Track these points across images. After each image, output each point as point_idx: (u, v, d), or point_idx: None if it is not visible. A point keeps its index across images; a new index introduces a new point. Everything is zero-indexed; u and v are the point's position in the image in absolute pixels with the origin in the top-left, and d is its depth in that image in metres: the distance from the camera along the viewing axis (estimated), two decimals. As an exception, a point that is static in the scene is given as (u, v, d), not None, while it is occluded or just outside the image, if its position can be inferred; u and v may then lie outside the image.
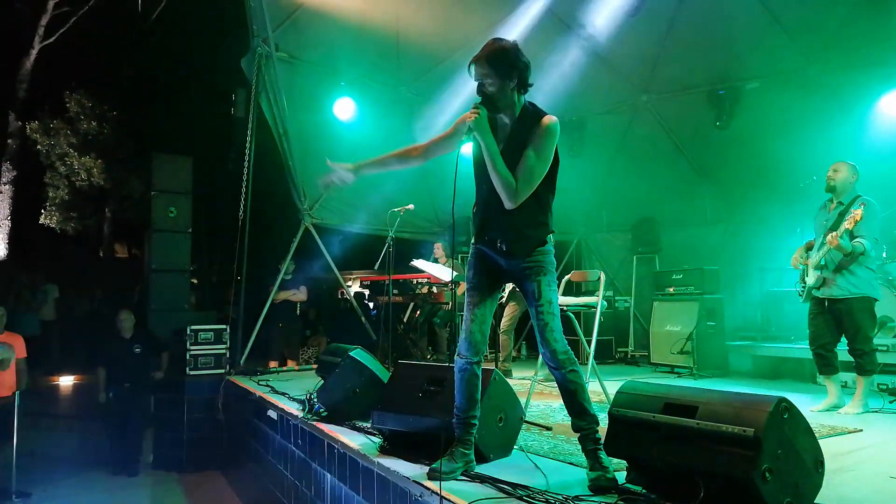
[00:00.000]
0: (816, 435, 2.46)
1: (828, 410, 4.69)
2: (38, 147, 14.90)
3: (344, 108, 8.56)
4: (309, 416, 4.49)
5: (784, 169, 7.65)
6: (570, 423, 2.96)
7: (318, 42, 8.21)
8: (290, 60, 8.19)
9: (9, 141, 14.83)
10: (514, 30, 8.50)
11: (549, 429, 4.09)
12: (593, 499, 2.62)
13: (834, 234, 4.43)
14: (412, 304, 7.88)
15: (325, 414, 4.47)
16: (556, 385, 2.95)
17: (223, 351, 7.25)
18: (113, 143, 15.73)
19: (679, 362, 7.15)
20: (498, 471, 3.00)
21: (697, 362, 6.90)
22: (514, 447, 3.46)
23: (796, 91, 7.79)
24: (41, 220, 15.41)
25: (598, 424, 2.89)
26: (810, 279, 4.81)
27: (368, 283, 8.25)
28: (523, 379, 6.45)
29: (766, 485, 2.14)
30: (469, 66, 2.90)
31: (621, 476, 2.71)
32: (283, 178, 8.66)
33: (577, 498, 2.60)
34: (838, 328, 4.70)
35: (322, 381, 4.65)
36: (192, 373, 7.03)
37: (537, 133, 2.84)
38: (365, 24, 7.89)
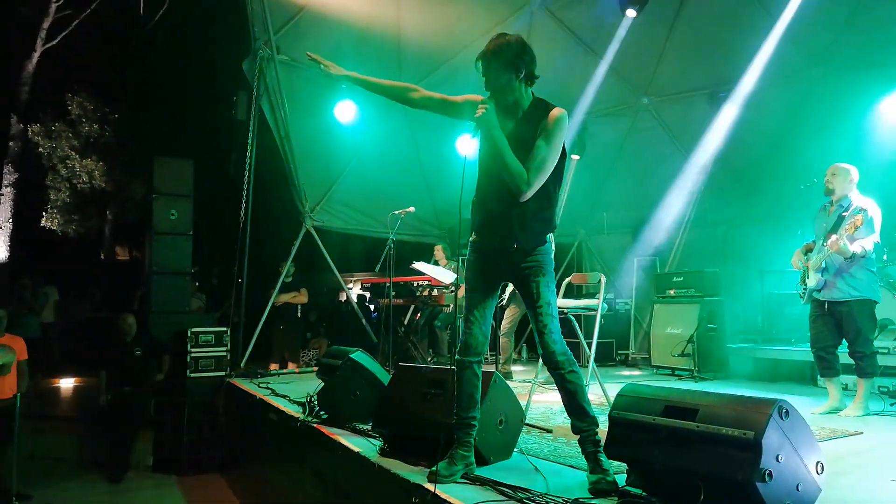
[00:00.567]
0: (817, 437, 2.46)
1: (829, 413, 4.68)
2: (40, 149, 14.92)
3: (345, 111, 8.57)
4: (309, 418, 4.49)
5: (784, 171, 7.66)
6: (570, 425, 2.96)
7: (319, 45, 8.21)
8: (291, 63, 8.21)
9: (10, 143, 14.85)
10: (515, 32, 8.53)
11: (549, 431, 4.08)
12: (593, 501, 2.62)
13: (834, 238, 4.44)
14: (413, 306, 7.88)
15: (325, 416, 4.47)
16: (556, 387, 2.95)
17: (224, 353, 7.25)
18: (114, 145, 15.74)
19: (680, 365, 7.15)
20: (498, 473, 3.00)
21: (698, 365, 6.89)
22: (515, 450, 3.46)
23: (797, 93, 7.80)
24: (42, 223, 15.42)
25: (597, 426, 2.89)
26: (811, 281, 4.81)
27: (369, 285, 8.22)
28: (524, 381, 6.45)
29: (767, 487, 2.13)
30: (476, 61, 2.91)
31: (621, 479, 2.70)
32: (285, 181, 8.67)
33: (577, 501, 2.60)
34: (839, 330, 4.69)
35: (322, 384, 4.65)
36: (193, 375, 7.03)
37: (547, 124, 2.84)
38: (366, 27, 7.91)
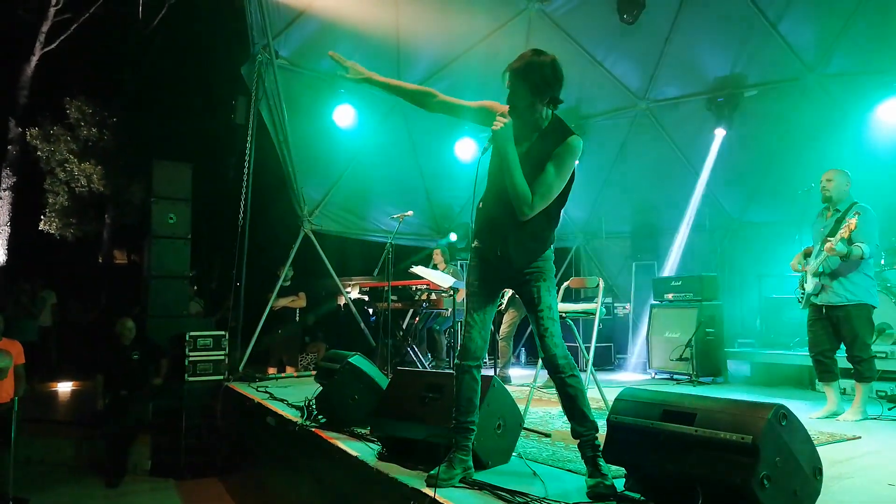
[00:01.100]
0: (815, 442, 2.46)
1: (827, 417, 4.69)
2: (38, 153, 14.89)
3: (344, 115, 8.58)
4: (307, 422, 4.49)
5: (782, 176, 7.69)
6: (568, 429, 2.96)
7: (318, 49, 8.24)
8: (290, 67, 8.22)
9: (9, 147, 14.84)
10: (513, 37, 8.56)
11: (547, 435, 4.08)
12: (592, 506, 2.62)
13: (831, 241, 4.45)
14: (411, 310, 7.87)
15: (323, 420, 4.47)
16: (555, 392, 2.95)
17: (222, 357, 7.24)
18: (113, 149, 15.73)
19: (678, 369, 7.15)
20: (496, 478, 3.00)
21: (696, 369, 6.90)
22: (513, 454, 3.46)
23: (794, 98, 7.83)
24: (41, 226, 15.39)
25: (597, 431, 2.89)
26: (809, 286, 4.82)
27: (368, 289, 8.23)
28: (522, 385, 6.45)
29: (764, 492, 2.14)
30: (504, 72, 2.87)
31: (620, 483, 2.71)
32: (283, 185, 8.67)
33: (575, 505, 2.60)
34: (837, 335, 4.70)
35: (321, 388, 4.64)
36: (191, 379, 7.02)
37: (560, 150, 2.82)
38: (365, 31, 7.92)
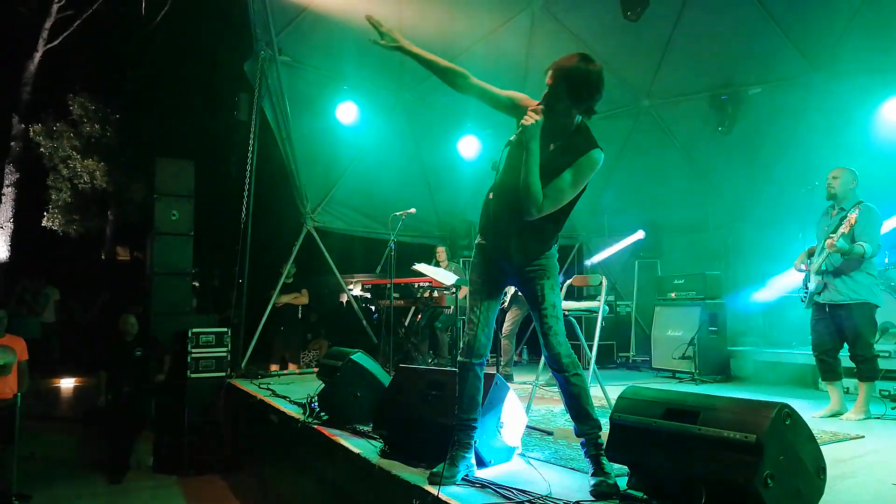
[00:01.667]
0: (818, 441, 2.45)
1: (830, 417, 4.68)
2: (41, 150, 14.91)
3: (346, 112, 8.58)
4: (310, 419, 4.49)
5: (786, 174, 7.66)
6: (571, 427, 2.96)
7: (320, 46, 8.23)
8: (293, 64, 8.22)
9: (12, 144, 14.86)
10: (516, 34, 8.54)
11: (550, 433, 4.08)
12: (594, 504, 2.62)
13: (831, 238, 4.44)
14: (413, 307, 7.88)
15: (325, 418, 4.47)
16: (557, 390, 2.94)
17: (224, 354, 7.25)
18: (116, 146, 15.75)
19: (681, 367, 7.14)
20: (498, 476, 3.00)
21: (699, 367, 6.89)
22: (516, 452, 3.45)
23: (799, 96, 7.81)
24: (43, 223, 15.41)
25: (600, 429, 2.88)
26: (812, 284, 4.81)
27: (370, 286, 8.23)
28: (524, 383, 6.45)
29: (768, 491, 2.13)
30: (548, 69, 2.83)
31: (623, 481, 2.70)
32: (286, 182, 8.67)
33: (578, 503, 2.59)
34: (840, 334, 4.69)
35: (323, 385, 4.65)
36: (193, 376, 7.02)
37: (583, 161, 2.80)
38: (368, 28, 7.89)
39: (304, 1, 7.62)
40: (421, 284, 7.38)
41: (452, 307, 7.00)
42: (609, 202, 10.06)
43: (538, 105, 2.83)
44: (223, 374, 7.17)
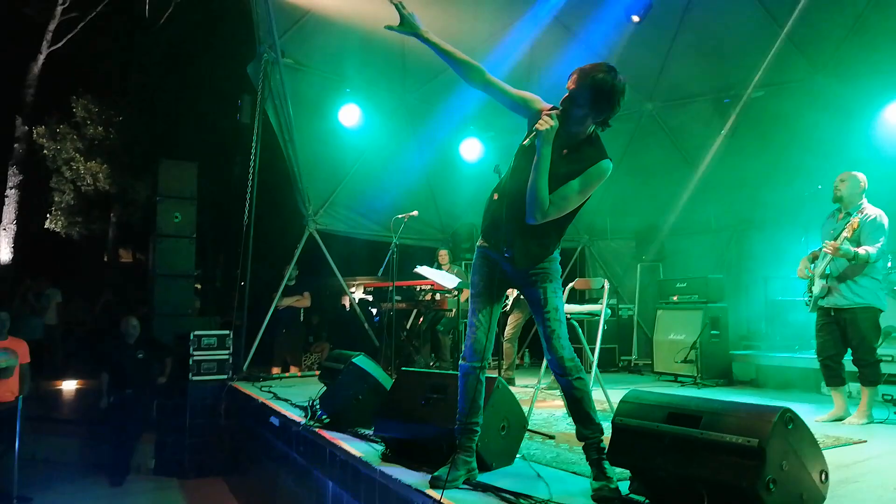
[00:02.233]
0: (821, 445, 2.44)
1: (833, 421, 4.66)
2: (45, 152, 14.94)
3: (349, 115, 8.59)
4: (311, 422, 4.48)
5: (789, 178, 7.65)
6: (573, 431, 2.95)
7: (324, 49, 8.25)
8: (296, 67, 8.23)
9: (15, 145, 14.89)
10: (520, 37, 8.54)
11: (552, 437, 4.07)
12: (596, 508, 2.61)
13: (832, 243, 4.43)
14: (415, 310, 7.87)
15: (327, 420, 4.46)
16: (559, 393, 2.93)
17: (226, 356, 7.25)
18: (119, 148, 15.78)
19: (683, 371, 7.12)
20: (500, 479, 2.99)
21: (701, 371, 6.87)
22: (517, 455, 3.44)
23: (801, 100, 7.80)
24: (46, 225, 15.44)
25: (602, 433, 2.87)
26: (816, 288, 4.79)
27: (372, 289, 8.24)
28: (526, 387, 6.44)
29: (770, 495, 2.12)
30: (571, 74, 2.81)
31: (625, 486, 2.69)
32: (288, 184, 8.68)
33: (579, 507, 2.59)
34: (844, 339, 4.67)
35: (325, 388, 4.64)
36: (195, 378, 7.03)
37: (592, 171, 2.79)
38: (371, 31, 7.92)
39: (307, 4, 7.64)
40: (423, 287, 7.37)
41: (454, 310, 7.00)
42: (612, 205, 10.05)
43: (552, 109, 2.82)
44: (225, 376, 7.18)
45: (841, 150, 7.04)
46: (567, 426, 4.25)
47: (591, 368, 4.61)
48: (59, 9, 14.79)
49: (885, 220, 4.57)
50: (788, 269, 5.39)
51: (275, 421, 5.36)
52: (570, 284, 5.12)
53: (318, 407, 4.60)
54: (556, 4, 8.23)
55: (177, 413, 7.00)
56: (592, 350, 4.71)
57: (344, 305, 14.38)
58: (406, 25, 2.94)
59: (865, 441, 4.00)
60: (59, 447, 7.40)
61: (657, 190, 9.46)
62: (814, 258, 4.95)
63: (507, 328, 7.12)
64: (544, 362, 3.05)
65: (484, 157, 9.67)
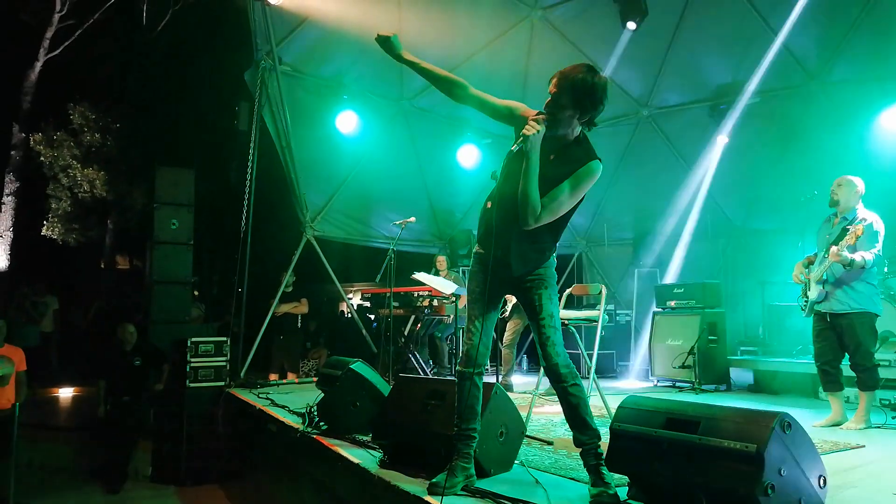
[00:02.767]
0: (819, 450, 2.45)
1: (831, 426, 4.67)
2: (42, 158, 14.93)
3: (346, 122, 8.60)
4: (309, 429, 4.47)
5: (785, 183, 7.68)
6: (571, 437, 2.94)
7: (321, 56, 8.27)
8: (293, 74, 8.24)
9: (12, 152, 14.87)
10: (515, 43, 8.58)
11: (550, 443, 4.07)
12: (594, 514, 2.61)
13: (835, 248, 4.44)
14: (413, 316, 7.86)
15: (325, 427, 4.45)
16: (557, 399, 2.93)
17: (223, 363, 7.23)
18: (116, 155, 15.78)
19: (681, 377, 7.13)
20: (498, 486, 2.99)
21: (699, 377, 6.87)
22: (515, 462, 3.44)
23: (797, 106, 7.83)
24: (43, 232, 15.42)
25: (599, 439, 2.87)
26: (812, 293, 4.80)
27: (370, 295, 8.23)
28: (524, 393, 6.43)
29: (769, 501, 2.13)
30: (551, 78, 2.83)
31: (623, 492, 2.69)
32: (286, 191, 8.68)
33: (578, 513, 2.58)
34: (841, 344, 4.68)
35: (322, 394, 4.64)
36: (192, 385, 7.00)
37: (582, 172, 2.80)
38: (368, 38, 7.92)
39: (304, 11, 7.66)
40: (420, 293, 7.37)
41: (452, 316, 6.99)
42: (608, 211, 10.08)
43: (539, 114, 2.84)
44: (222, 383, 7.15)
45: (837, 155, 7.07)
46: (565, 432, 4.25)
47: (589, 374, 4.61)
48: (57, 16, 14.80)
49: (882, 226, 4.58)
50: (785, 274, 5.40)
51: (272, 428, 5.34)
52: (568, 290, 5.12)
53: (315, 414, 4.59)
54: (552, 11, 8.29)
55: (174, 420, 6.97)
56: (590, 356, 4.71)
57: (342, 312, 14.36)
58: (385, 46, 3.05)
59: (863, 446, 4.01)
60: (55, 454, 7.36)
61: (654, 196, 9.49)
62: (808, 263, 4.96)
63: (506, 334, 7.12)
64: (542, 368, 3.05)
65: (481, 163, 9.69)
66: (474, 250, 3.10)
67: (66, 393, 11.06)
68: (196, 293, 12.55)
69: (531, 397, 4.66)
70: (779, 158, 8.06)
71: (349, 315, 9.66)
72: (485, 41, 8.52)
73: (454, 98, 3.01)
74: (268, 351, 8.34)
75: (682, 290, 7.69)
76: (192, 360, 7.03)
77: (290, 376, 8.41)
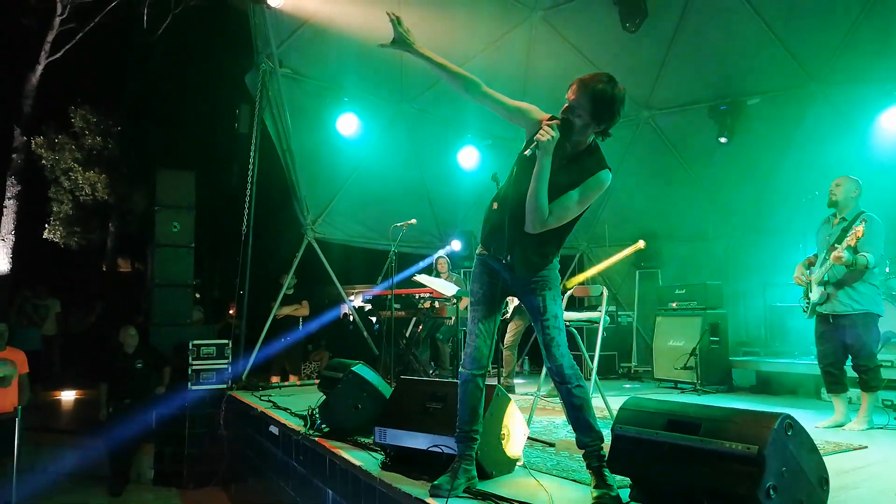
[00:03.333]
0: (821, 451, 2.44)
1: (833, 427, 4.66)
2: (43, 162, 14.96)
3: (347, 124, 8.60)
4: (310, 431, 4.48)
5: (786, 184, 7.69)
6: (573, 439, 2.95)
7: (321, 58, 8.27)
8: (293, 77, 8.25)
9: (13, 156, 14.88)
10: (516, 45, 8.58)
11: (552, 445, 4.07)
12: (597, 516, 2.60)
13: (837, 249, 4.44)
14: (414, 318, 7.87)
15: (326, 430, 4.46)
16: (559, 401, 2.93)
17: (225, 366, 7.24)
18: (117, 158, 15.80)
19: (682, 378, 7.12)
20: (500, 488, 2.99)
21: (701, 378, 6.87)
22: (517, 464, 3.44)
23: (797, 106, 7.84)
24: (45, 235, 15.44)
25: (602, 441, 2.87)
26: (814, 295, 4.80)
27: (371, 297, 8.23)
28: (526, 394, 6.43)
29: (770, 502, 2.12)
30: (571, 85, 2.82)
31: (625, 493, 2.69)
32: (287, 193, 8.69)
33: (580, 515, 2.58)
34: (844, 345, 4.67)
35: (324, 397, 4.64)
36: (194, 388, 7.02)
37: (591, 181, 2.81)
38: (368, 40, 7.93)
39: (304, 14, 7.66)
40: (422, 295, 7.37)
41: (453, 318, 6.99)
42: (610, 212, 10.07)
43: (552, 119, 2.83)
44: (224, 385, 7.17)
45: (836, 156, 7.07)
46: (567, 434, 4.25)
47: (590, 376, 4.61)
48: (58, 19, 14.83)
49: (882, 227, 4.58)
50: (786, 275, 5.39)
51: (274, 430, 5.35)
52: (569, 291, 5.13)
53: (317, 416, 4.59)
54: (552, 13, 8.29)
55: (176, 423, 6.98)
56: (592, 357, 4.71)
57: (343, 314, 14.35)
58: (399, 41, 2.99)
59: (866, 447, 4.00)
60: (57, 457, 7.37)
61: (655, 197, 9.48)
62: (809, 264, 4.96)
63: (508, 335, 7.12)
64: (544, 370, 3.05)
65: (481, 165, 9.68)
66: (477, 252, 3.10)
67: (67, 396, 11.07)
68: (197, 296, 12.55)
69: (533, 399, 4.66)
70: (779, 159, 8.06)
71: (351, 317, 9.66)
72: (484, 43, 8.51)
73: (467, 95, 2.98)
74: (269, 353, 8.34)
75: (684, 291, 7.68)
76: (194, 362, 7.05)
77: (292, 378, 8.41)
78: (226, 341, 7.34)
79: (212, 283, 17.38)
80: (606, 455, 2.74)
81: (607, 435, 2.75)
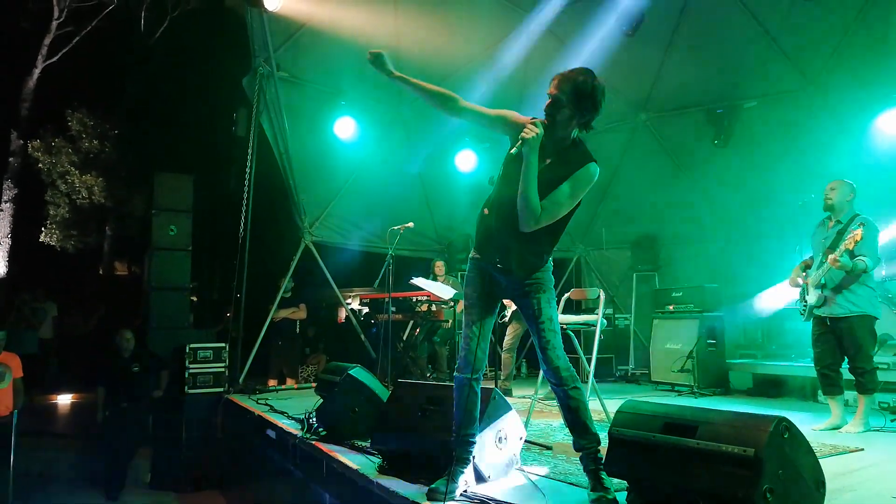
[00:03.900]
0: (817, 454, 2.45)
1: (829, 430, 4.66)
2: (40, 165, 14.95)
3: (344, 128, 8.61)
4: (308, 435, 4.47)
5: (782, 187, 7.69)
6: (570, 442, 2.95)
7: (319, 62, 8.28)
8: (291, 80, 8.25)
9: (10, 159, 14.88)
10: (514, 49, 8.59)
11: (549, 448, 4.06)
12: (593, 519, 2.60)
13: (834, 254, 4.45)
14: (412, 322, 7.87)
15: (323, 433, 4.45)
16: (556, 404, 2.94)
17: (222, 369, 7.23)
18: (114, 161, 15.79)
19: (679, 380, 7.13)
20: (497, 491, 2.98)
21: (698, 380, 6.87)
22: (514, 467, 3.44)
23: (794, 110, 7.85)
24: (42, 238, 15.41)
25: (599, 444, 2.87)
26: (811, 298, 4.81)
27: (368, 300, 8.24)
28: (523, 397, 6.43)
29: (767, 505, 2.12)
30: (552, 80, 2.85)
31: (622, 496, 2.69)
32: (284, 197, 8.69)
33: (577, 518, 2.58)
34: (841, 348, 4.68)
35: (321, 400, 4.63)
36: (191, 391, 7.00)
37: (580, 174, 2.82)
38: (366, 44, 7.93)
39: (302, 17, 7.67)
40: (419, 298, 7.37)
41: (450, 321, 7.00)
42: (606, 215, 10.09)
43: (535, 119, 2.85)
44: (221, 389, 7.16)
45: (833, 159, 7.08)
46: (564, 437, 4.25)
47: (587, 378, 4.61)
48: (55, 23, 14.83)
49: (878, 230, 4.60)
50: (783, 277, 5.40)
51: (271, 434, 5.34)
52: (566, 295, 5.13)
53: (314, 419, 4.59)
54: (549, 17, 8.29)
55: (173, 426, 6.97)
56: (589, 360, 4.71)
57: (340, 317, 14.33)
58: (378, 68, 3.07)
59: (863, 449, 4.01)
60: (54, 461, 7.35)
61: (652, 200, 9.50)
62: (806, 267, 4.97)
63: (506, 339, 7.12)
64: (541, 373, 3.05)
65: (479, 168, 9.69)
66: (471, 255, 3.10)
67: (64, 399, 11.03)
68: (193, 299, 12.53)
69: (530, 402, 4.66)
70: (775, 162, 8.07)
71: (347, 320, 9.65)
72: (482, 48, 8.53)
73: (447, 111, 3.02)
74: (266, 357, 8.33)
75: (681, 294, 7.70)
76: (191, 366, 7.04)
77: (289, 382, 8.39)
78: (223, 345, 7.33)
79: (210, 285, 17.35)
80: (603, 458, 2.74)
81: (604, 438, 2.75)
